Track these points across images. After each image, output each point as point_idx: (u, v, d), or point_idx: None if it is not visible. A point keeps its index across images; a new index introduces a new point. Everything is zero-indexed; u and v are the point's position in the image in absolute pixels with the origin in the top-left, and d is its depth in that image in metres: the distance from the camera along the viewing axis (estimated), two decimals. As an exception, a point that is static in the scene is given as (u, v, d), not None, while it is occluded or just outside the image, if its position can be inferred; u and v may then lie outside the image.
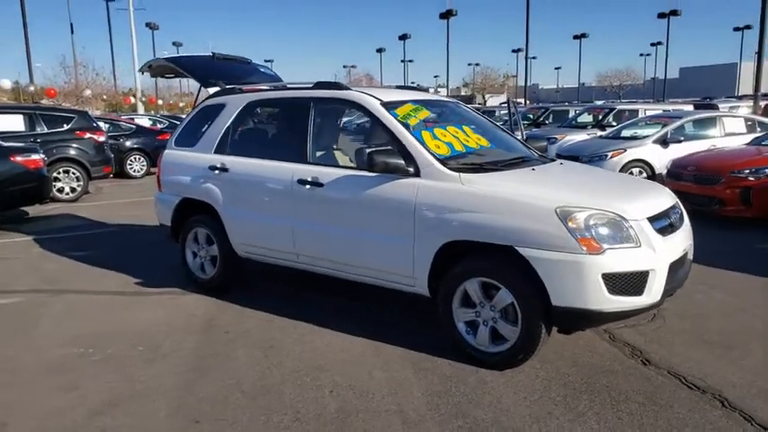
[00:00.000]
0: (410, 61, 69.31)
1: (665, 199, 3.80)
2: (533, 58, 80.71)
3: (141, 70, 5.87)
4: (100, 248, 6.84)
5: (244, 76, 5.86)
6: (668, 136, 10.19)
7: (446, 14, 38.35)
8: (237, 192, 4.69)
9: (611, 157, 9.82)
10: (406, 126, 3.96)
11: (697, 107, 15.44)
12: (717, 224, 7.52)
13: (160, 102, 55.95)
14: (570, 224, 3.21)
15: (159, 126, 18.61)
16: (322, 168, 4.25)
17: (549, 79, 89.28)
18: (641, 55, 74.00)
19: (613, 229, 3.26)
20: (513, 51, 69.18)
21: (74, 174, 10.91)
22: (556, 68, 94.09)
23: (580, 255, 3.17)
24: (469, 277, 3.55)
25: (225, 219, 4.78)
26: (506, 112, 6.85)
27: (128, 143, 14.28)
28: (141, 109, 37.33)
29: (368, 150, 3.71)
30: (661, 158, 9.81)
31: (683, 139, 10.17)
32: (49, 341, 4.13)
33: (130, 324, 4.43)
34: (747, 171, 7.44)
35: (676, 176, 8.29)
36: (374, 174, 3.86)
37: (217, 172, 4.79)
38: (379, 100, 4.15)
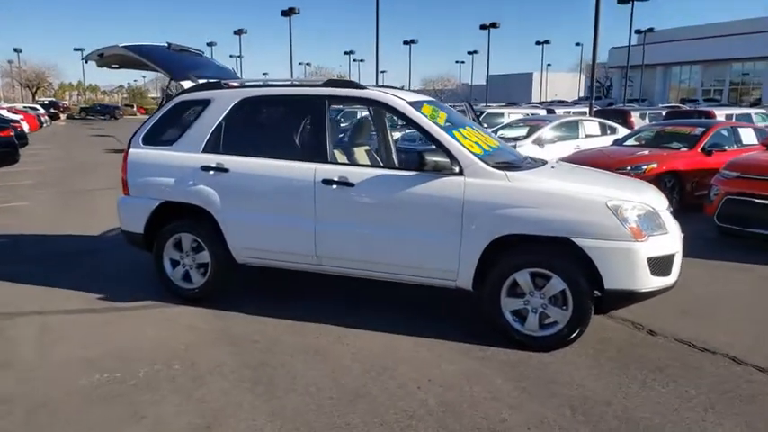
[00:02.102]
0: (240, 57, 67.54)
1: (661, 194, 4.40)
2: (361, 60, 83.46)
3: (86, 59, 5.16)
4: (6, 264, 5.89)
5: (201, 69, 5.49)
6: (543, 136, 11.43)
7: (288, 12, 38.11)
8: (241, 193, 4.41)
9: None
10: (440, 126, 4.10)
11: (548, 112, 17.39)
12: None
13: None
14: (620, 216, 3.63)
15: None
16: (349, 168, 4.20)
17: (373, 82, 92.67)
18: (456, 62, 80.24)
19: (651, 219, 3.76)
20: (346, 53, 70.96)
21: None
22: (381, 72, 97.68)
23: (631, 242, 3.61)
24: (521, 269, 3.80)
25: (224, 223, 4.47)
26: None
27: (-39, 140, 12.15)
28: None
29: (419, 150, 3.79)
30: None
31: (556, 139, 11.49)
32: (56, 371, 3.57)
33: (134, 342, 3.97)
34: (629, 168, 8.69)
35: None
36: (413, 173, 3.95)
37: (212, 173, 4.46)
38: (405, 100, 4.22)
